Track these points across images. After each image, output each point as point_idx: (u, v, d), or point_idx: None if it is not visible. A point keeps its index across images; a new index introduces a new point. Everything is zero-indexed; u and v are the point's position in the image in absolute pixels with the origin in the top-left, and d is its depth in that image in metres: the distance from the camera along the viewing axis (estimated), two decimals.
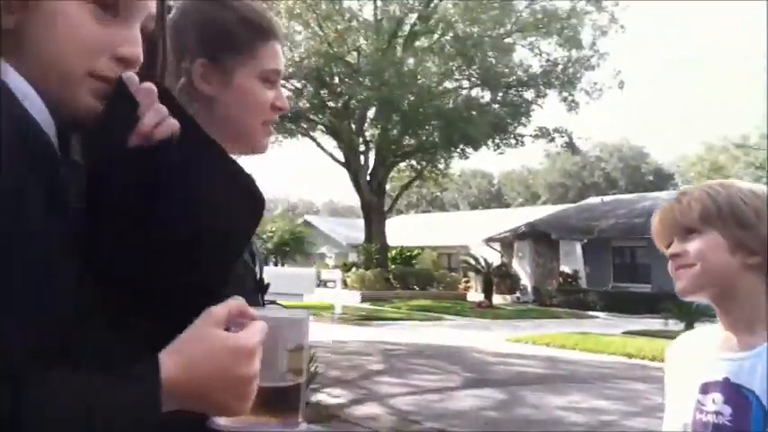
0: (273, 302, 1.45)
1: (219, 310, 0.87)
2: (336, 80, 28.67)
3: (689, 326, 17.58)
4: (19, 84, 0.86)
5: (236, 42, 1.34)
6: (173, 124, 0.96)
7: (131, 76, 0.95)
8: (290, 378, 0.94)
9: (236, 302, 0.90)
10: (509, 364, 12.25)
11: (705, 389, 1.45)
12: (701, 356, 1.51)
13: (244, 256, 1.35)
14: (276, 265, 26.42)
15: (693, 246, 1.45)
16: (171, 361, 0.82)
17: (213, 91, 1.33)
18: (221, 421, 0.89)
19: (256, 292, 1.40)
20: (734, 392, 1.40)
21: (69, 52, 0.89)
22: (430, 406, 8.73)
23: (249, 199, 1.04)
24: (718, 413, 1.41)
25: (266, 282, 1.47)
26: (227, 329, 0.87)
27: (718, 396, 1.42)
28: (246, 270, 1.36)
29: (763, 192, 1.48)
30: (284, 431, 0.94)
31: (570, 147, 33.75)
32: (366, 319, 21.19)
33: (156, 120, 0.96)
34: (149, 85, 0.96)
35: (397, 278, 30.43)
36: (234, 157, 1.38)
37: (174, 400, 0.81)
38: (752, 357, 1.40)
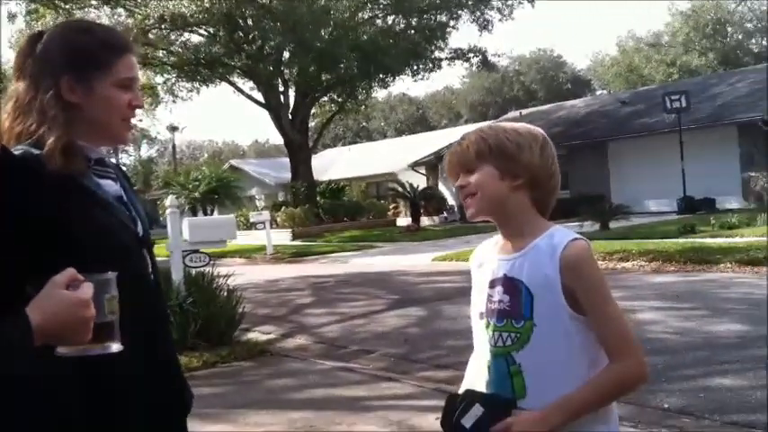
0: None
1: (59, 278, 1.33)
2: (250, 23, 28.21)
3: (604, 226, 18.51)
4: None
5: (96, 60, 1.72)
6: None
7: None
8: (110, 317, 1.41)
9: (70, 271, 1.35)
10: (432, 283, 12.81)
11: (492, 284, 1.85)
12: (489, 260, 1.92)
13: (119, 218, 1.71)
14: (206, 213, 26.40)
15: (474, 178, 1.84)
16: (33, 313, 1.28)
17: (79, 99, 1.70)
18: (62, 350, 1.37)
19: (139, 248, 1.77)
20: (510, 284, 1.81)
21: None
22: (355, 330, 9.23)
23: None
24: (500, 301, 1.82)
25: (150, 239, 1.84)
26: (66, 289, 1.33)
27: (500, 288, 1.83)
28: (124, 231, 1.71)
29: (525, 129, 1.89)
30: (104, 352, 1.42)
31: (485, 65, 34.06)
32: (297, 255, 21.48)
33: None
34: None
35: (327, 212, 30.62)
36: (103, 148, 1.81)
37: (38, 339, 1.28)
38: (520, 256, 1.82)
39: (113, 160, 1.89)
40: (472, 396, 1.80)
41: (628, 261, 12.74)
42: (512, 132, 1.86)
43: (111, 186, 1.75)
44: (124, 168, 1.99)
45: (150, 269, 1.80)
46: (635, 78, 58.23)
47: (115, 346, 1.43)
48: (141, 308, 1.68)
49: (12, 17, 26.55)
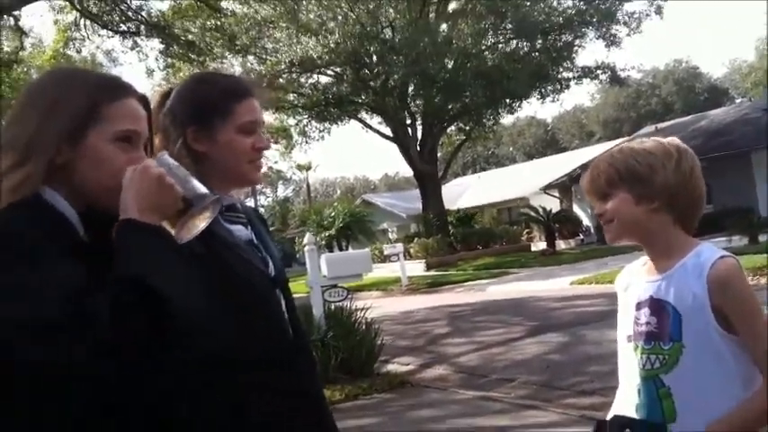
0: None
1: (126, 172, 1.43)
2: (374, 59, 28.87)
3: (753, 240, 17.53)
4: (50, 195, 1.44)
5: (216, 108, 1.79)
6: None
7: None
8: (188, 179, 1.47)
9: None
10: (571, 307, 12.52)
11: (638, 306, 1.85)
12: (635, 282, 1.91)
13: (249, 260, 1.76)
14: (341, 248, 27.01)
15: (609, 206, 1.84)
16: (126, 211, 1.37)
17: (205, 148, 1.78)
18: (182, 235, 1.46)
19: (272, 288, 1.81)
20: (657, 306, 1.80)
21: (107, 177, 1.45)
22: (495, 359, 9.13)
23: None
24: (648, 323, 1.81)
25: (279, 276, 1.87)
26: None
27: (647, 311, 1.82)
28: (254, 272, 1.75)
29: (657, 147, 1.85)
30: (214, 205, 1.49)
31: (615, 80, 33.26)
32: (432, 285, 21.53)
33: None
34: None
35: (460, 241, 30.65)
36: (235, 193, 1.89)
37: (148, 220, 1.37)
38: (667, 278, 1.80)
39: (252, 202, 1.94)
40: (621, 422, 1.79)
41: None
42: (642, 153, 1.83)
43: (241, 231, 1.80)
44: (262, 210, 2.03)
45: (284, 307, 1.83)
46: None
47: (209, 194, 1.48)
48: (276, 345, 1.73)
49: (150, 72, 28.30)
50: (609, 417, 1.85)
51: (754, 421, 1.69)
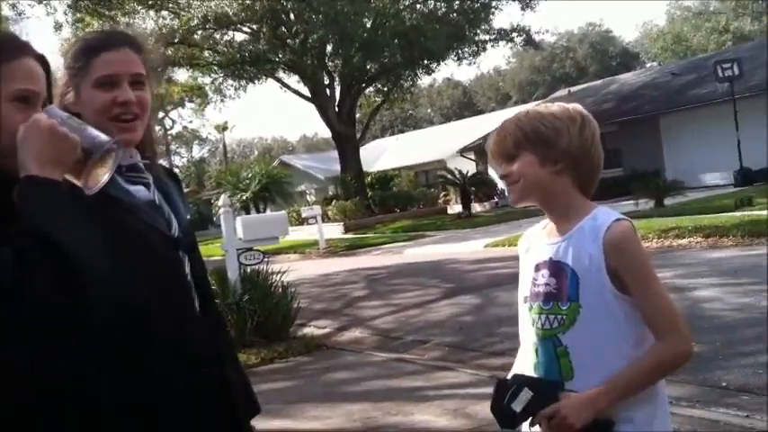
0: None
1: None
2: (292, 17, 28.40)
3: (658, 203, 18.18)
4: None
5: (79, 65, 1.71)
6: None
7: None
8: (82, 128, 1.46)
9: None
10: (485, 269, 12.77)
11: (537, 268, 1.89)
12: (535, 244, 1.96)
13: (147, 222, 1.70)
14: (258, 211, 26.80)
15: (515, 167, 1.87)
16: (25, 166, 1.35)
17: (78, 109, 1.68)
18: (89, 187, 1.44)
19: (174, 249, 1.75)
20: (556, 267, 1.85)
21: (4, 137, 1.40)
22: (410, 321, 9.27)
23: None
24: (546, 284, 1.86)
25: (186, 237, 1.81)
26: None
27: (546, 272, 1.87)
28: (152, 234, 1.69)
29: (562, 112, 1.89)
30: (116, 149, 1.46)
31: (530, 43, 33.69)
32: (350, 248, 21.59)
33: None
34: None
35: (378, 204, 30.85)
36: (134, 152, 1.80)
37: (47, 174, 1.35)
38: (566, 240, 1.85)
39: (165, 162, 1.85)
40: (521, 380, 1.83)
41: (683, 238, 12.48)
42: (548, 117, 1.87)
43: (141, 191, 1.73)
44: (177, 171, 1.95)
45: (188, 270, 1.77)
46: (682, 48, 57.00)
47: (108, 140, 1.45)
48: (176, 307, 1.70)
49: (58, 27, 27.09)
50: (509, 375, 1.89)
51: (643, 380, 1.77)
